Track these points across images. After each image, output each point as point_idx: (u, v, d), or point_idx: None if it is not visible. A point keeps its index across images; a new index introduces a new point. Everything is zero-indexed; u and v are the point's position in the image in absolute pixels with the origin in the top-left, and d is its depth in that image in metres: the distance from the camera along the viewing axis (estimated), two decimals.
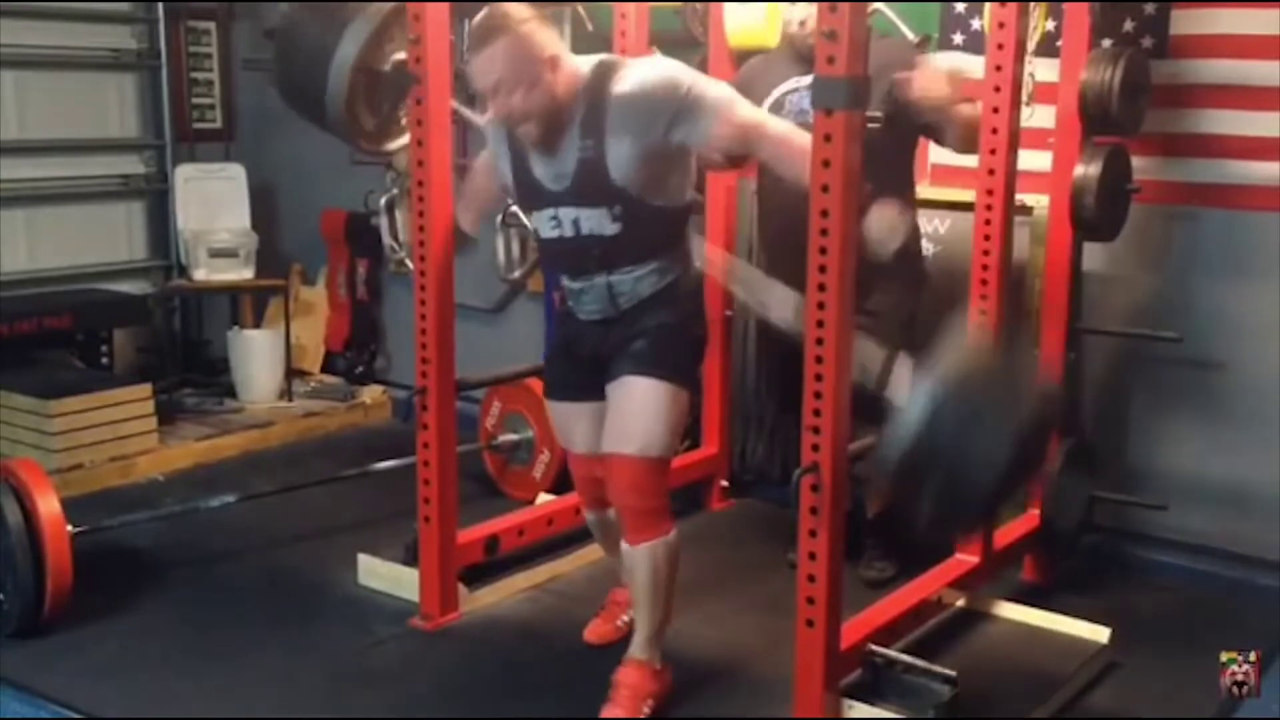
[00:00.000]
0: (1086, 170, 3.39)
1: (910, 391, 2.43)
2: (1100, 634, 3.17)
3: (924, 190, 3.90)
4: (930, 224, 3.86)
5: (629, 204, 2.68)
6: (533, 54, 2.62)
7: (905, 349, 3.26)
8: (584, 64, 2.72)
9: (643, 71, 2.69)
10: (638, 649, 2.87)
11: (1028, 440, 2.40)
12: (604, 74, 2.68)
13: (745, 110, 2.73)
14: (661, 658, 2.89)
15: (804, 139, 2.57)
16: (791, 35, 3.41)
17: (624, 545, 2.83)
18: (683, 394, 2.79)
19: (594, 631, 3.21)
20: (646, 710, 2.81)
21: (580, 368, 2.90)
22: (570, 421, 2.98)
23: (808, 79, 3.12)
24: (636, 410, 2.73)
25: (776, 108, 3.33)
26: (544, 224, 2.80)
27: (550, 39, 2.67)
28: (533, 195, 2.81)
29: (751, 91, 3.30)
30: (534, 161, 2.75)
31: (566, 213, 2.73)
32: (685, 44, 4.01)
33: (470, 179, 3.19)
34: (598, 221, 2.71)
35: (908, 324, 3.38)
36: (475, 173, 3.17)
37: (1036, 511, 3.56)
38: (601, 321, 2.83)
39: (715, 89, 2.71)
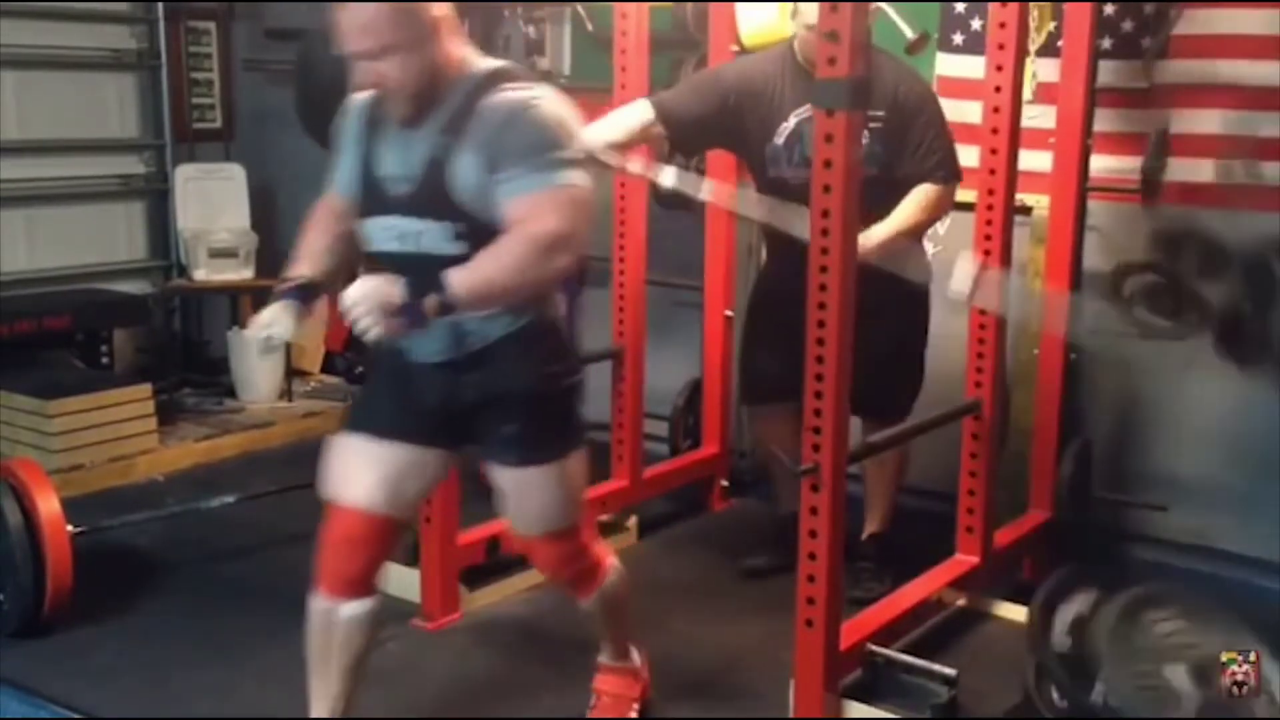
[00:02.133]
0: None
1: None
2: None
3: None
4: None
5: (474, 224, 2.26)
6: (420, 14, 2.23)
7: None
8: (478, 59, 2.36)
9: (543, 100, 2.28)
10: (612, 656, 2.82)
11: None
12: (497, 78, 2.31)
13: (563, 211, 2.23)
14: (633, 654, 2.85)
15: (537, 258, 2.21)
16: (804, 40, 3.23)
17: (580, 601, 2.69)
18: (575, 457, 2.49)
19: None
20: (634, 713, 2.80)
21: (414, 412, 2.43)
22: (364, 462, 2.41)
23: None
24: (531, 500, 2.48)
25: (795, 138, 3.27)
26: (379, 234, 2.37)
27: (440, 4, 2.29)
28: (373, 198, 2.38)
29: (758, 109, 3.31)
30: (383, 157, 2.35)
31: (406, 223, 2.32)
32: (683, 45, 4.01)
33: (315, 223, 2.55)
34: (438, 238, 2.29)
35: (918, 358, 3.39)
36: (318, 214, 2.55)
37: (1037, 511, 3.56)
38: (447, 366, 2.39)
39: (577, 177, 2.27)
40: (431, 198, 2.28)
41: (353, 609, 2.42)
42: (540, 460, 2.44)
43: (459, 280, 2.18)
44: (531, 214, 2.21)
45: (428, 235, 2.30)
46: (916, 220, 3.22)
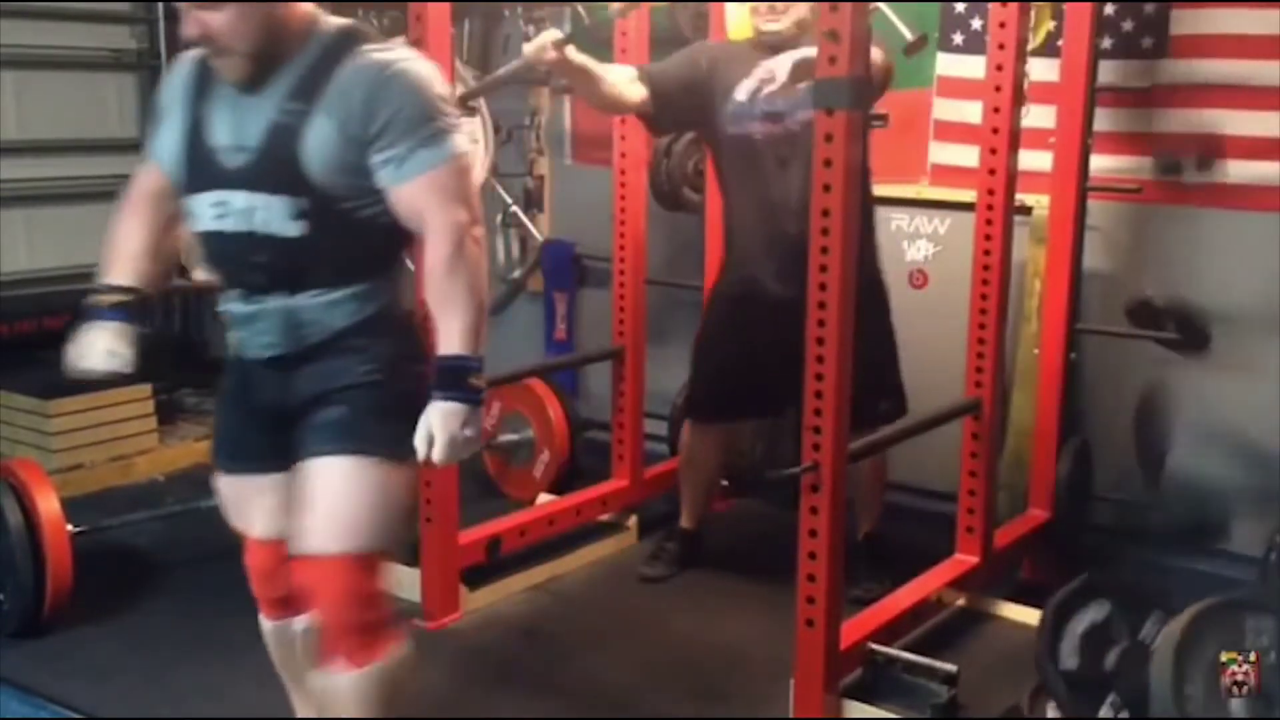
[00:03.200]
0: None
1: None
2: None
3: (924, 190, 3.92)
4: (930, 224, 3.87)
5: (320, 202, 2.04)
6: None
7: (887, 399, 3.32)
8: (324, 15, 2.13)
9: (409, 62, 2.07)
10: None
11: None
12: (354, 38, 2.08)
13: (459, 193, 2.08)
14: None
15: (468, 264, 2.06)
16: (756, 26, 3.34)
17: (326, 674, 2.17)
18: (400, 469, 2.13)
19: None
20: None
21: (257, 427, 2.22)
22: (246, 498, 2.26)
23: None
24: (341, 499, 2.08)
25: (755, 93, 3.30)
26: (205, 211, 2.10)
27: None
28: (201, 171, 2.10)
29: (724, 72, 3.35)
30: (215, 124, 2.09)
31: (239, 198, 2.06)
32: (683, 45, 4.00)
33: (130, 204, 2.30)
34: (276, 216, 2.05)
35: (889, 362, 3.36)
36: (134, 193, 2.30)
37: (1037, 511, 3.56)
38: (280, 361, 2.15)
39: (461, 143, 2.10)
40: (273, 170, 2.03)
41: (302, 621, 2.25)
42: (365, 451, 2.10)
43: (455, 343, 2.05)
44: (435, 202, 2.04)
45: (263, 212, 2.05)
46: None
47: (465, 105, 3.63)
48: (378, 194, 2.07)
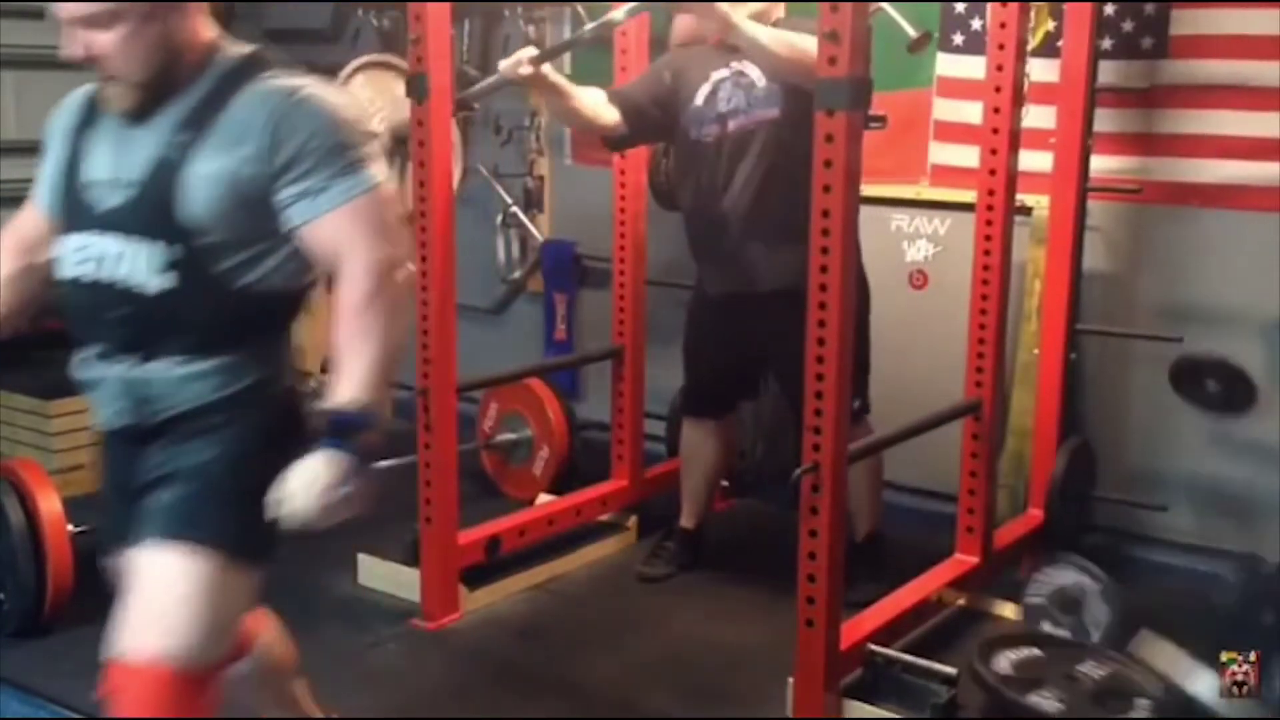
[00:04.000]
0: None
1: None
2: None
3: (924, 190, 3.91)
4: (930, 224, 3.87)
5: (195, 254, 1.80)
6: None
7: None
8: (230, 43, 1.94)
9: (317, 88, 1.86)
10: None
11: None
12: (257, 65, 1.88)
13: (382, 226, 1.84)
14: None
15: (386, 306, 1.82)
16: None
17: None
18: (240, 567, 1.85)
19: None
20: None
21: (115, 504, 2.01)
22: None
23: (738, 66, 3.29)
24: (169, 592, 1.80)
25: (712, 95, 3.35)
26: (70, 256, 1.87)
27: None
28: (74, 211, 1.89)
29: (685, 80, 3.41)
30: (95, 157, 1.89)
31: (107, 242, 1.82)
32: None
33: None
34: (141, 266, 1.80)
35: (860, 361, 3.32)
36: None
37: (1037, 511, 3.56)
38: (128, 433, 1.89)
39: (379, 172, 1.87)
40: (148, 211, 1.80)
41: (238, 669, 2.10)
42: (194, 538, 1.81)
43: (353, 388, 1.79)
44: (355, 236, 1.81)
45: (129, 260, 1.80)
46: (779, 46, 3.05)
47: (465, 108, 3.64)
48: (272, 244, 1.84)
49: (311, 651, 3.18)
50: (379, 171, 1.86)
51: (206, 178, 1.79)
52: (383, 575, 3.51)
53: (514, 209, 4.75)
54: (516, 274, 4.89)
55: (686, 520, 3.74)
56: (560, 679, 3.06)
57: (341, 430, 1.78)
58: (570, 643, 3.24)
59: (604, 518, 3.93)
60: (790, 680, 2.73)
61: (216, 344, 1.84)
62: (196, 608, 1.80)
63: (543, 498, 3.99)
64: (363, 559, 3.56)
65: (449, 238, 3.20)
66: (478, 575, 3.45)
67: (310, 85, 1.86)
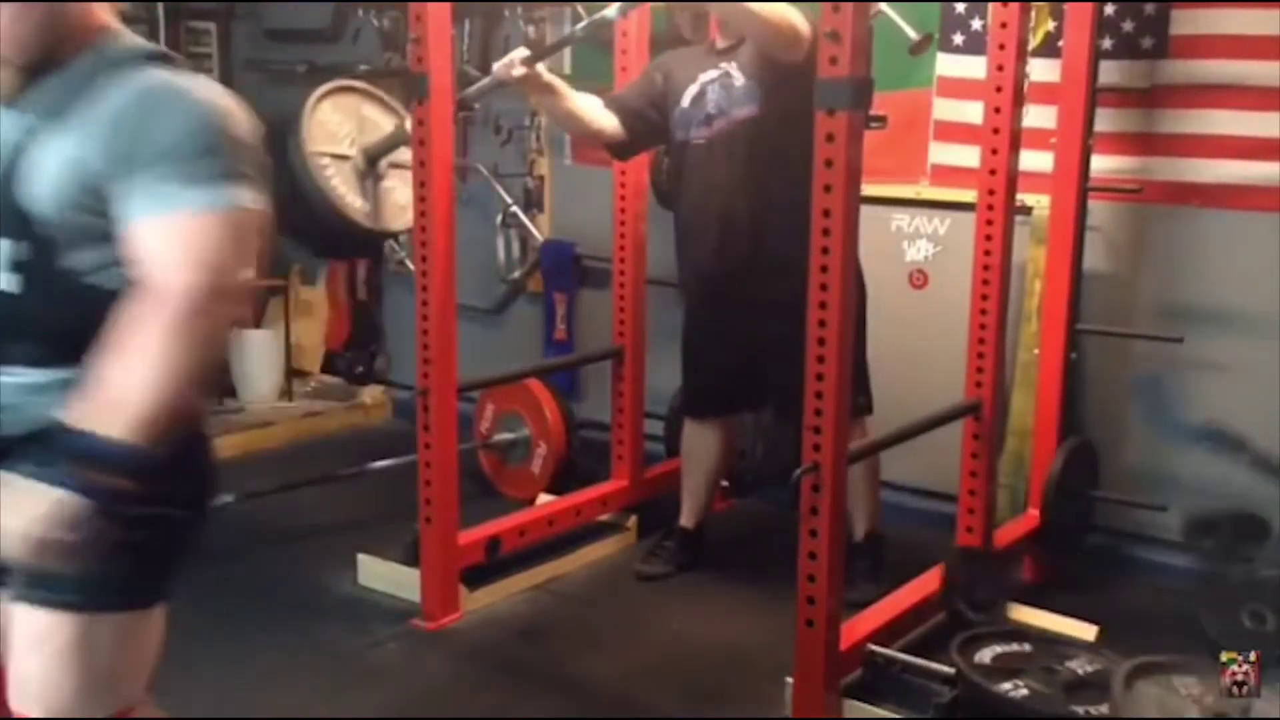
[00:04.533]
0: None
1: None
2: (1088, 632, 3.18)
3: (924, 190, 3.92)
4: (930, 224, 3.87)
5: (43, 251, 1.61)
6: None
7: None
8: (128, 36, 1.72)
9: (207, 89, 1.64)
10: None
11: None
12: (148, 58, 1.67)
13: (220, 253, 1.57)
14: None
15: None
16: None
17: None
18: (105, 622, 1.67)
19: None
20: None
21: None
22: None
23: (725, 67, 3.32)
24: (42, 661, 1.65)
25: (700, 97, 3.36)
26: None
27: None
28: None
29: (674, 82, 3.43)
30: None
31: None
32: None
33: None
34: None
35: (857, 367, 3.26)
36: None
37: (1036, 511, 3.56)
38: None
39: (247, 198, 1.60)
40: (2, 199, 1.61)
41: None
42: (59, 604, 1.62)
43: (110, 416, 1.50)
44: (182, 253, 1.54)
45: None
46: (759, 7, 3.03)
47: (464, 108, 3.64)
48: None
49: (311, 651, 3.20)
50: (245, 197, 1.60)
51: (55, 165, 1.59)
52: (383, 575, 3.51)
53: (514, 209, 4.75)
54: (516, 274, 4.89)
55: (686, 520, 3.74)
56: (560, 679, 3.06)
57: (80, 459, 1.49)
58: (570, 643, 3.25)
59: (604, 518, 3.93)
60: (790, 680, 2.73)
61: (72, 354, 1.60)
62: (74, 672, 1.66)
63: (543, 498, 3.99)
64: (363, 559, 3.57)
65: (449, 238, 3.20)
66: (478, 575, 3.45)
67: (199, 87, 1.63)
